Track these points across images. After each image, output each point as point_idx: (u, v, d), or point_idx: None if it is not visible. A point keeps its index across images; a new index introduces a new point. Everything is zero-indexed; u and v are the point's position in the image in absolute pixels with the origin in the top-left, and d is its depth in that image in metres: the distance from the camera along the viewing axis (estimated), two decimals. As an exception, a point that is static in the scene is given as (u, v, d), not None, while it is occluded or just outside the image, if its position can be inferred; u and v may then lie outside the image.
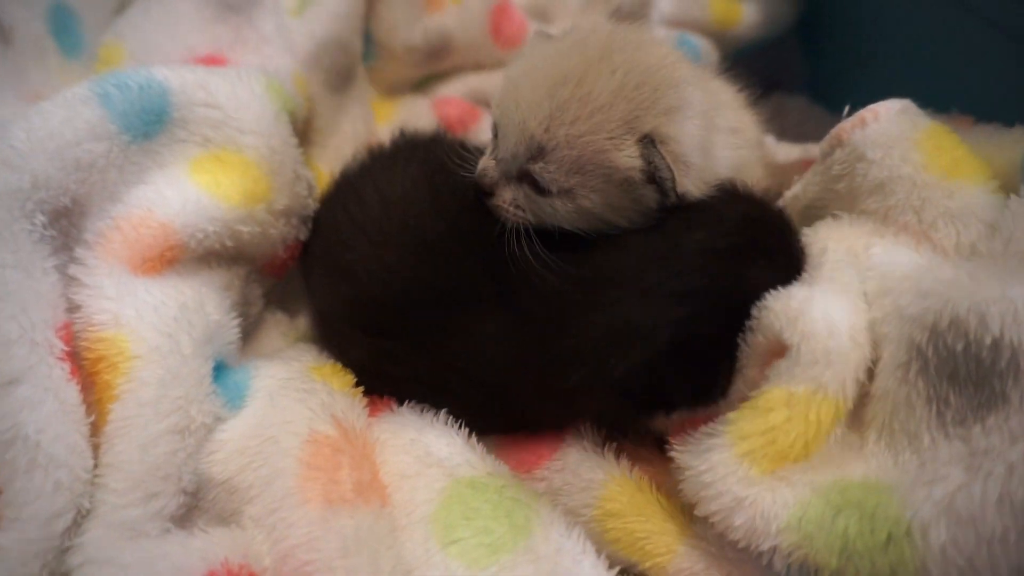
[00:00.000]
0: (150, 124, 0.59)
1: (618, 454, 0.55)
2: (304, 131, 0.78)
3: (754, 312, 0.50)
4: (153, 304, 0.53)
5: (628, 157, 0.53)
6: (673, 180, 0.52)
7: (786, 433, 0.45)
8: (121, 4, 0.85)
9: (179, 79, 0.61)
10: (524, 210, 0.56)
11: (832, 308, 0.47)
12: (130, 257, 0.55)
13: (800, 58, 1.00)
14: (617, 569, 0.51)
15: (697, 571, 0.48)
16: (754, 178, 0.60)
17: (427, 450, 0.56)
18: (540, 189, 0.55)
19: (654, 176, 0.53)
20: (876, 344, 0.46)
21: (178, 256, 0.58)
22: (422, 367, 0.59)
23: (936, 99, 0.64)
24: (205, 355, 0.54)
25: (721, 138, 0.57)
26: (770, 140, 0.75)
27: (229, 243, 0.61)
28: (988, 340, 0.39)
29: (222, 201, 0.59)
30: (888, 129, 0.53)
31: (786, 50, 0.99)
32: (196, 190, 0.59)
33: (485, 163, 0.57)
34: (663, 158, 0.52)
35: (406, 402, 0.60)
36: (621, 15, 0.89)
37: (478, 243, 0.58)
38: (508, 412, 0.58)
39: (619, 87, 0.53)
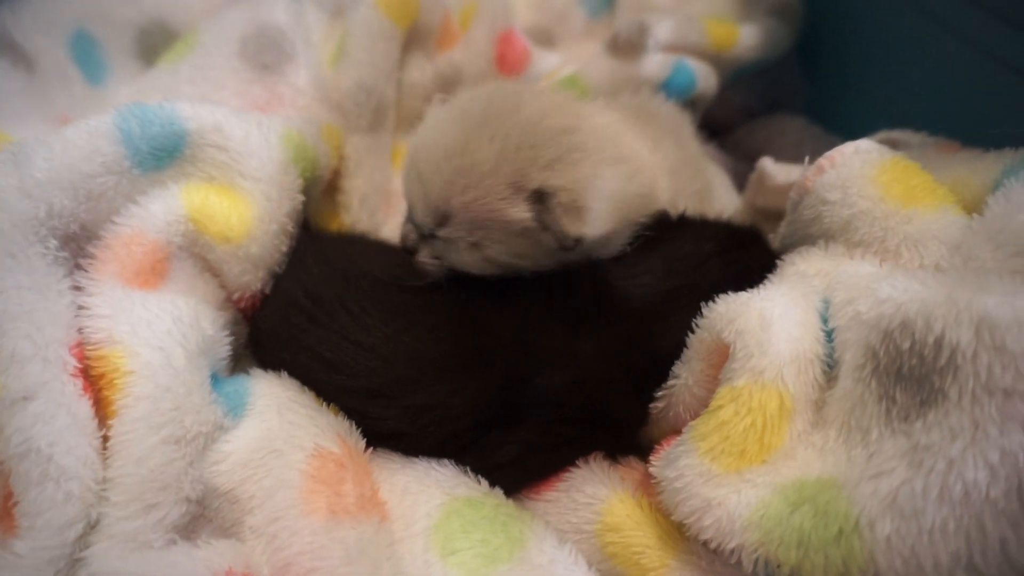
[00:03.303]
0: (161, 159, 0.63)
1: (622, 477, 0.58)
2: (332, 179, 0.83)
3: (704, 311, 0.54)
4: (147, 319, 0.55)
5: (520, 212, 0.56)
6: (564, 229, 0.55)
7: (735, 427, 0.47)
8: (141, 33, 0.89)
9: (198, 121, 0.64)
10: (441, 262, 0.62)
11: (769, 306, 0.50)
12: (122, 272, 0.58)
13: (799, 79, 1.03)
14: None
15: (688, 584, 0.50)
16: (661, 203, 0.65)
17: (425, 471, 0.58)
18: (451, 245, 0.60)
19: (550, 227, 0.56)
20: (841, 349, 0.49)
21: (167, 268, 0.61)
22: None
23: (927, 122, 0.69)
24: (200, 366, 0.56)
25: (612, 170, 0.59)
26: (768, 162, 0.78)
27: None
28: (931, 339, 0.41)
29: (193, 224, 0.62)
30: (843, 171, 0.58)
31: (786, 71, 1.02)
32: (182, 210, 0.62)
33: (405, 228, 0.63)
34: (550, 212, 0.55)
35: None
36: (618, 43, 0.92)
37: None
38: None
39: (500, 152, 0.56)
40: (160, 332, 0.55)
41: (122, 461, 0.50)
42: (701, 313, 0.55)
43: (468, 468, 0.58)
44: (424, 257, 0.62)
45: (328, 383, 0.60)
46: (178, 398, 0.53)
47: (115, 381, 0.52)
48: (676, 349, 0.57)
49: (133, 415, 0.51)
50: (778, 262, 0.61)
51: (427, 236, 0.61)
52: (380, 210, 0.89)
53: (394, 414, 0.58)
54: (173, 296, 0.60)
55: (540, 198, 0.56)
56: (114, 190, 0.61)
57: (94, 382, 0.53)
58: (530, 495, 0.59)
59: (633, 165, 0.62)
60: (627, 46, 0.89)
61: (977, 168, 0.56)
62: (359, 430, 0.59)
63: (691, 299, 0.57)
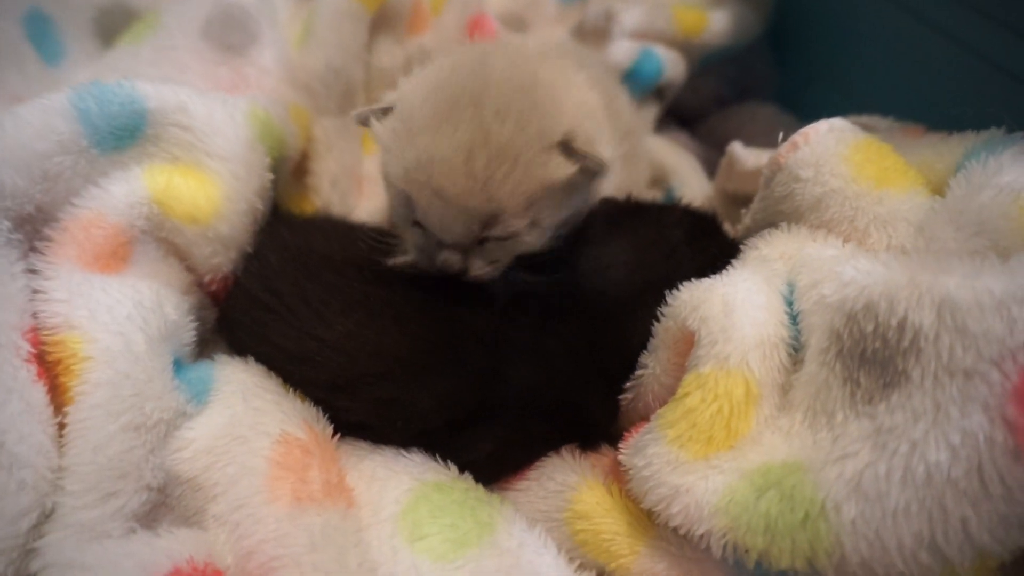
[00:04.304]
0: (122, 139, 0.61)
1: (593, 465, 0.57)
2: (301, 162, 0.81)
3: (669, 299, 0.54)
4: (107, 303, 0.54)
5: (562, 167, 0.57)
6: (599, 158, 0.57)
7: (702, 413, 0.47)
8: (100, 13, 0.87)
9: (160, 100, 0.63)
10: (500, 261, 0.59)
11: (732, 291, 0.50)
12: (81, 256, 0.56)
13: (771, 67, 1.04)
14: (577, 563, 0.53)
15: (658, 571, 0.50)
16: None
17: (394, 456, 0.58)
18: (508, 239, 0.58)
19: (588, 167, 0.57)
20: (807, 332, 0.49)
21: (130, 252, 0.59)
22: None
23: (896, 108, 0.69)
24: (161, 352, 0.55)
25: (590, 100, 0.63)
26: (738, 146, 0.79)
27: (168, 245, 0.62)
28: (894, 322, 0.42)
29: (157, 206, 0.61)
30: (817, 149, 0.57)
31: (757, 59, 1.03)
32: (145, 192, 0.60)
33: (443, 257, 0.57)
34: (582, 151, 0.56)
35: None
36: (585, 30, 0.92)
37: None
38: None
39: (516, 124, 0.55)
40: (120, 317, 0.54)
41: (79, 449, 0.48)
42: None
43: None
44: (479, 270, 0.58)
45: (293, 374, 0.59)
46: (138, 384, 0.51)
47: (72, 367, 0.50)
48: (647, 343, 0.57)
49: (91, 402, 0.50)
50: (742, 246, 0.61)
51: (472, 247, 0.58)
52: (352, 192, 0.89)
53: (360, 407, 0.57)
54: (135, 280, 0.58)
55: (566, 146, 0.56)
56: (72, 171, 0.58)
57: (50, 368, 0.51)
58: (502, 484, 0.59)
59: (590, 100, 0.64)
60: (593, 33, 0.89)
61: (941, 151, 0.56)
62: (326, 418, 0.59)
63: (661, 293, 0.57)
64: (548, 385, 0.57)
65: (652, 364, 0.56)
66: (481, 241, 0.58)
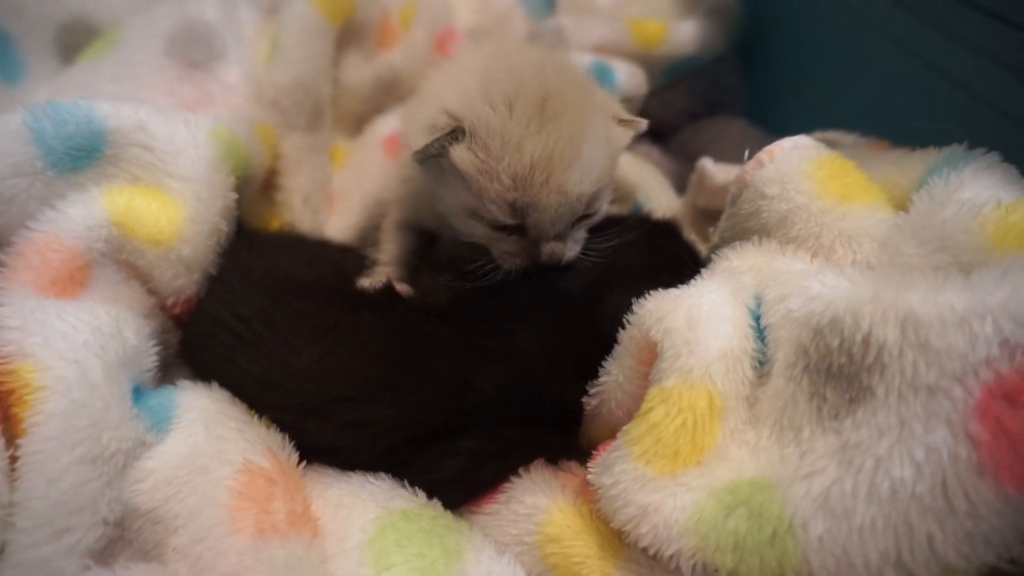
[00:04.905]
0: (79, 160, 0.60)
1: (563, 485, 0.57)
2: (270, 178, 0.80)
3: (634, 307, 0.54)
4: (63, 330, 0.52)
5: (624, 136, 0.63)
6: (642, 123, 0.64)
7: (666, 427, 0.47)
8: (60, 30, 0.85)
9: (119, 119, 0.61)
10: (581, 240, 0.62)
11: (696, 304, 0.50)
12: (36, 281, 0.55)
13: (741, 82, 1.05)
14: None
15: (629, 593, 0.49)
16: None
17: (360, 484, 0.56)
18: (593, 215, 0.62)
19: (638, 131, 0.64)
20: (774, 347, 0.49)
21: (88, 276, 0.58)
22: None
23: (861, 122, 0.70)
24: (120, 379, 0.54)
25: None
26: (708, 162, 0.79)
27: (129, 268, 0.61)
28: (859, 337, 0.42)
29: (118, 228, 0.59)
30: (781, 166, 0.58)
31: (727, 74, 1.04)
32: (104, 214, 0.59)
33: (552, 248, 0.59)
34: (632, 119, 0.63)
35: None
36: (543, 43, 0.92)
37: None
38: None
39: (590, 106, 0.59)
40: (76, 344, 0.52)
41: (31, 483, 0.47)
42: (634, 299, 0.55)
43: (408, 483, 0.57)
44: (572, 252, 0.61)
45: (260, 399, 0.58)
46: (94, 414, 0.50)
47: (25, 397, 0.49)
48: (615, 329, 0.57)
49: (44, 433, 0.48)
50: (713, 257, 0.61)
51: (566, 233, 0.60)
52: (324, 208, 0.88)
53: (329, 430, 0.56)
54: (93, 305, 0.56)
55: (623, 118, 0.63)
56: (27, 193, 0.57)
57: (2, 399, 0.50)
58: (471, 508, 0.58)
59: None
60: (550, 47, 0.89)
61: (904, 167, 0.57)
62: (293, 443, 0.57)
63: (624, 280, 0.57)
64: (520, 385, 0.56)
65: (616, 371, 0.56)
66: (578, 222, 0.61)
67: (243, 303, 0.61)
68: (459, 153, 0.57)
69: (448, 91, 0.60)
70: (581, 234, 0.62)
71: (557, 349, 0.58)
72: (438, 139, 0.57)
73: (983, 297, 0.38)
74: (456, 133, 0.57)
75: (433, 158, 0.59)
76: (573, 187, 0.57)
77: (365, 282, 0.66)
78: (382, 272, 0.69)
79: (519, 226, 0.59)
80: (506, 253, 0.60)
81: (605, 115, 0.61)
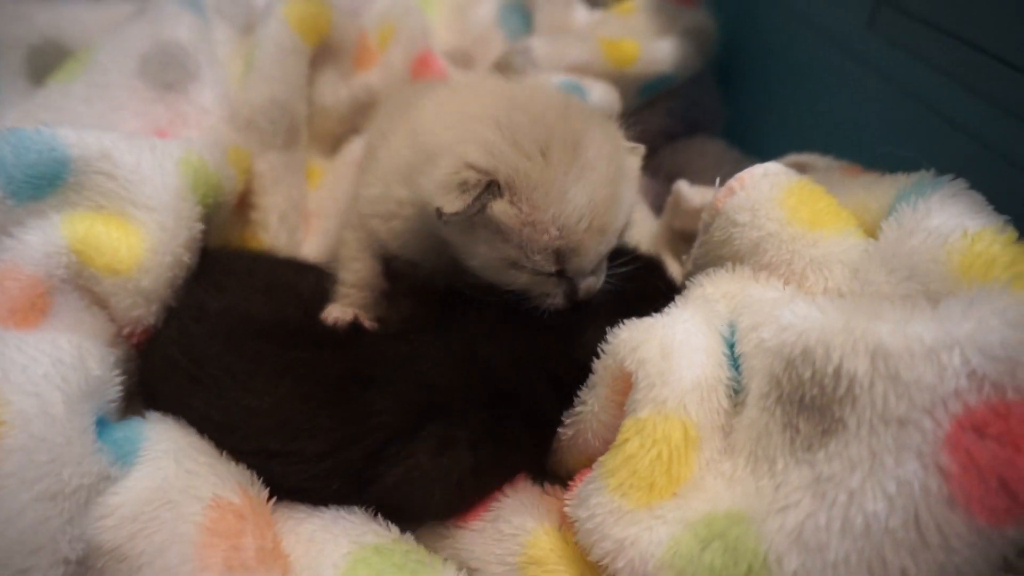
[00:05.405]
0: (40, 188, 0.59)
1: (549, 510, 0.56)
2: (245, 196, 0.80)
3: (608, 336, 0.54)
4: (22, 362, 0.51)
5: (636, 164, 0.63)
6: (643, 150, 0.65)
7: (641, 459, 0.47)
8: (32, 52, 0.84)
9: (82, 147, 0.60)
10: (603, 269, 0.62)
11: (670, 334, 0.50)
12: None
13: (719, 103, 1.06)
14: None
15: (607, 623, 0.48)
16: None
17: (332, 519, 0.56)
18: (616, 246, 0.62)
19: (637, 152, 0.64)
20: (748, 376, 0.49)
21: (49, 304, 0.56)
22: None
23: (836, 145, 0.71)
24: (82, 411, 0.52)
25: None
26: (684, 185, 0.79)
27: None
28: (830, 369, 0.42)
29: (76, 256, 0.58)
30: (752, 193, 0.58)
31: (705, 94, 1.05)
32: (63, 241, 0.58)
33: (589, 283, 0.59)
34: (637, 147, 0.64)
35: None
36: (499, 65, 0.92)
37: None
38: None
39: (612, 145, 0.60)
40: (36, 376, 0.51)
41: (-13, 523, 0.45)
42: (610, 326, 0.55)
43: (382, 501, 0.56)
44: (599, 284, 0.61)
45: (221, 443, 0.57)
46: (55, 448, 0.48)
47: (-18, 434, 0.47)
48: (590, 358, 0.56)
49: (3, 470, 0.46)
50: (687, 283, 0.61)
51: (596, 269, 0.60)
52: (299, 228, 0.87)
53: (297, 470, 0.55)
54: (55, 335, 0.55)
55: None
56: (-15, 221, 0.56)
57: (-40, 435, 0.48)
58: (457, 523, 0.57)
59: None
60: (505, 67, 0.89)
61: (874, 192, 0.57)
62: (263, 483, 0.56)
63: (605, 311, 0.57)
64: (481, 381, 0.57)
65: (591, 401, 0.55)
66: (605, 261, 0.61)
67: (197, 344, 0.59)
68: (501, 208, 0.55)
69: (462, 143, 0.57)
70: (604, 264, 0.62)
71: (528, 361, 0.58)
72: (477, 198, 0.54)
73: (951, 328, 0.38)
74: (492, 188, 0.55)
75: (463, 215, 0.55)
76: (613, 225, 0.58)
77: (331, 317, 0.65)
78: (347, 296, 0.68)
79: (560, 270, 0.58)
80: (544, 295, 0.59)
81: (623, 148, 0.61)
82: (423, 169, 0.58)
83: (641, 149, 0.64)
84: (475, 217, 0.55)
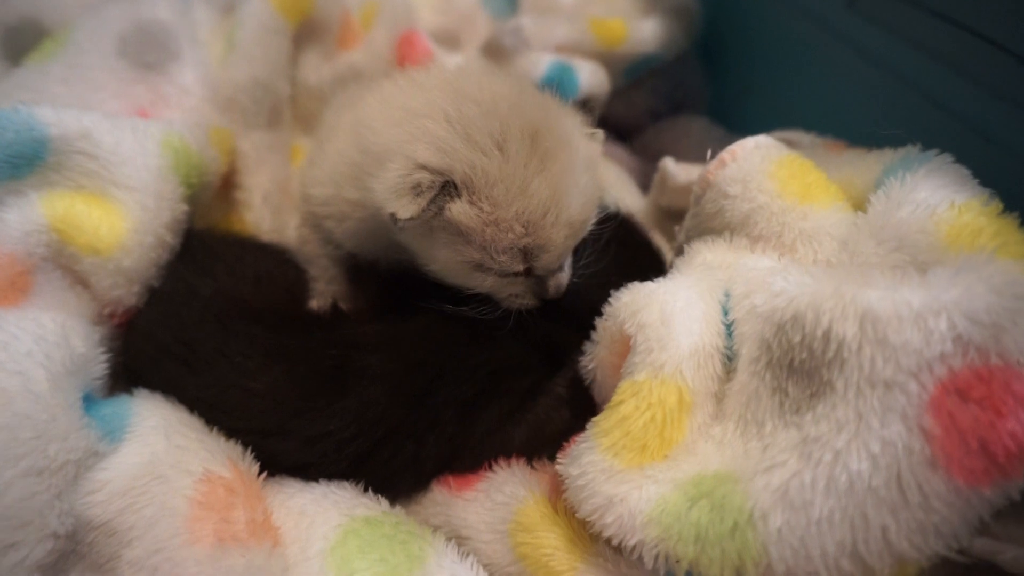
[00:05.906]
0: (19, 167, 0.58)
1: (540, 481, 0.57)
2: (230, 176, 0.79)
3: (610, 299, 0.54)
4: (3, 340, 0.51)
5: (597, 147, 0.61)
6: (602, 134, 0.63)
7: (635, 421, 0.48)
8: (7, 31, 0.82)
9: (61, 127, 0.59)
10: (571, 266, 0.61)
11: (671, 300, 0.51)
12: None
13: (703, 82, 1.07)
14: None
15: (595, 586, 0.49)
16: None
17: (323, 493, 0.56)
18: (585, 236, 0.59)
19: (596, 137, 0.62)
20: (739, 342, 0.50)
21: (31, 282, 0.56)
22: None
23: (819, 122, 0.71)
24: (67, 388, 0.52)
25: None
26: (670, 162, 0.80)
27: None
28: (819, 332, 0.42)
29: (56, 234, 0.58)
30: (744, 165, 0.58)
31: (689, 73, 1.05)
32: (43, 220, 0.57)
33: (559, 279, 0.58)
34: (596, 131, 0.61)
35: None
36: (490, 46, 0.91)
37: None
38: None
39: (571, 132, 0.57)
40: (18, 354, 0.50)
41: (-28, 499, 0.45)
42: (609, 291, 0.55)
43: (368, 484, 0.57)
44: (568, 278, 0.59)
45: (216, 423, 0.57)
46: (39, 425, 0.48)
47: (-36, 413, 0.47)
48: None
49: (-16, 449, 0.46)
50: (685, 249, 0.61)
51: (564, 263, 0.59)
52: (284, 207, 0.86)
53: (293, 447, 0.56)
54: (37, 312, 0.55)
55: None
56: (-37, 202, 0.55)
57: (-57, 415, 0.48)
58: (451, 493, 0.58)
59: None
60: (495, 48, 0.89)
61: (861, 168, 0.58)
62: (259, 463, 0.56)
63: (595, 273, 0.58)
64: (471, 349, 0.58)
65: (589, 357, 0.56)
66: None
67: (189, 328, 0.59)
68: (460, 209, 0.51)
69: (411, 141, 0.53)
70: (571, 258, 0.60)
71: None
72: (433, 200, 0.51)
73: (938, 294, 0.39)
74: (448, 188, 0.52)
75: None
76: (579, 217, 0.55)
77: (315, 305, 0.66)
78: (323, 295, 0.68)
79: (527, 268, 0.55)
80: (513, 296, 0.57)
81: (581, 132, 0.58)
82: (372, 171, 0.54)
83: (600, 134, 0.61)
84: (433, 221, 0.52)
